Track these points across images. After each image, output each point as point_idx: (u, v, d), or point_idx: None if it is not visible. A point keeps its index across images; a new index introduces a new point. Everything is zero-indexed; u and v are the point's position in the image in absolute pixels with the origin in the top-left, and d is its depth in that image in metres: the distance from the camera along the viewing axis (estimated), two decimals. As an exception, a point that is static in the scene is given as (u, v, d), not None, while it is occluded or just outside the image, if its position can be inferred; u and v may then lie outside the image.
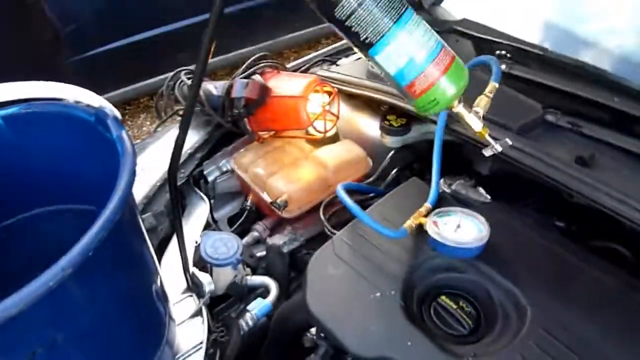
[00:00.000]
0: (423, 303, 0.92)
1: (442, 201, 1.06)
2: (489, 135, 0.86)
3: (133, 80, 3.40)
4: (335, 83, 1.36)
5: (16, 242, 0.82)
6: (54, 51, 2.92)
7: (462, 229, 0.95)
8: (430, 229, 0.95)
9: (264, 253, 1.19)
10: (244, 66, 1.40)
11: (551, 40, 1.25)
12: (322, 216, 1.15)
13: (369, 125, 1.43)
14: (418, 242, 0.98)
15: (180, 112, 1.49)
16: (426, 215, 0.99)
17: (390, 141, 1.32)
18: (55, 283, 0.48)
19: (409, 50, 0.73)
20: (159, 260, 1.06)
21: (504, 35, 1.24)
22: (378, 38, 0.72)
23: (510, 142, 0.88)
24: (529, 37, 1.22)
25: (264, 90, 1.28)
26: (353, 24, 0.71)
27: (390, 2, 0.71)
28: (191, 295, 0.99)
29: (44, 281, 0.48)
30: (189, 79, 1.45)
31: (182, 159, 1.24)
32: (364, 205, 1.13)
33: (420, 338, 0.82)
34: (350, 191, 1.10)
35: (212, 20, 0.79)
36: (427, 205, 1.02)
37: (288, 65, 1.57)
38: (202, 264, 1.06)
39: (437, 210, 0.99)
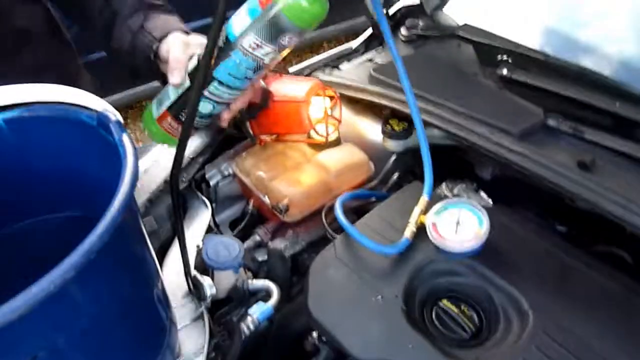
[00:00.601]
0: (425, 306, 0.92)
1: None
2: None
3: (136, 83, 3.40)
4: (337, 87, 1.36)
5: (18, 248, 0.82)
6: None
7: (462, 225, 0.94)
8: (431, 235, 0.94)
9: (265, 257, 1.19)
10: (246, 70, 1.40)
11: (552, 46, 1.25)
12: (324, 220, 1.15)
13: (371, 130, 1.43)
14: (419, 245, 0.97)
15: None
16: (426, 212, 0.98)
17: (392, 145, 1.32)
18: (57, 287, 0.48)
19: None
20: (161, 264, 1.06)
21: (505, 40, 1.24)
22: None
23: None
24: (531, 43, 1.22)
25: (266, 94, 1.28)
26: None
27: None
28: (192, 299, 0.98)
29: (45, 285, 0.47)
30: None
31: (184, 163, 1.24)
32: (367, 209, 1.13)
33: (421, 342, 0.82)
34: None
35: (215, 25, 0.79)
36: (425, 198, 1.00)
37: (290, 69, 1.58)
38: (204, 268, 1.06)
39: (435, 208, 0.97)
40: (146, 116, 1.01)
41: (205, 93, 0.91)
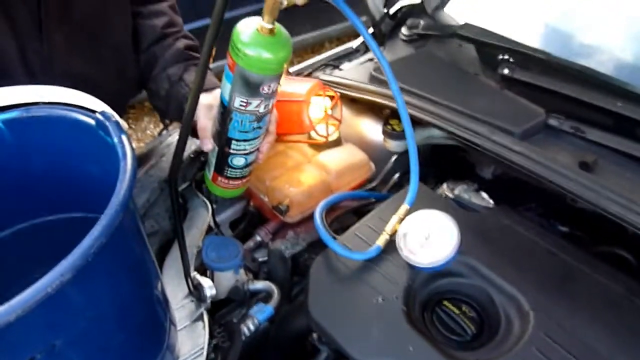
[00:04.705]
0: (425, 308, 0.92)
1: (443, 206, 1.05)
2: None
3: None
4: (338, 87, 1.36)
5: (16, 250, 0.82)
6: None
7: (431, 239, 0.91)
8: (399, 246, 0.92)
9: (265, 257, 1.19)
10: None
11: (554, 45, 1.25)
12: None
13: (372, 130, 1.43)
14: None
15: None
16: (402, 220, 0.96)
17: (393, 145, 1.31)
18: (54, 289, 0.48)
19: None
20: (160, 265, 1.06)
21: (506, 39, 1.24)
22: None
23: None
24: (532, 42, 1.22)
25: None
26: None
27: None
28: (192, 300, 0.98)
29: (42, 287, 0.47)
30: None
31: (184, 163, 1.24)
32: (367, 210, 1.13)
33: (422, 343, 0.82)
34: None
35: (213, 25, 0.79)
36: (406, 206, 0.98)
37: (291, 70, 1.57)
38: (204, 269, 1.06)
39: (409, 218, 0.95)
40: (205, 180, 1.12)
41: (232, 151, 0.98)
